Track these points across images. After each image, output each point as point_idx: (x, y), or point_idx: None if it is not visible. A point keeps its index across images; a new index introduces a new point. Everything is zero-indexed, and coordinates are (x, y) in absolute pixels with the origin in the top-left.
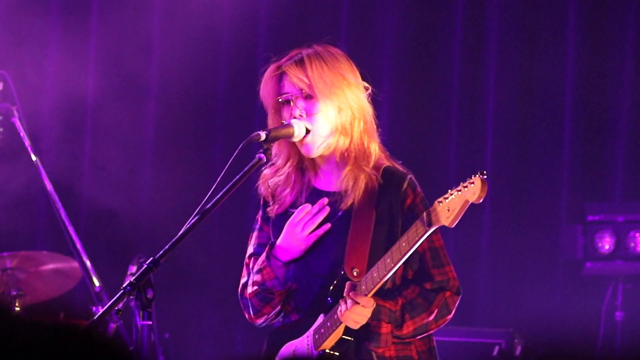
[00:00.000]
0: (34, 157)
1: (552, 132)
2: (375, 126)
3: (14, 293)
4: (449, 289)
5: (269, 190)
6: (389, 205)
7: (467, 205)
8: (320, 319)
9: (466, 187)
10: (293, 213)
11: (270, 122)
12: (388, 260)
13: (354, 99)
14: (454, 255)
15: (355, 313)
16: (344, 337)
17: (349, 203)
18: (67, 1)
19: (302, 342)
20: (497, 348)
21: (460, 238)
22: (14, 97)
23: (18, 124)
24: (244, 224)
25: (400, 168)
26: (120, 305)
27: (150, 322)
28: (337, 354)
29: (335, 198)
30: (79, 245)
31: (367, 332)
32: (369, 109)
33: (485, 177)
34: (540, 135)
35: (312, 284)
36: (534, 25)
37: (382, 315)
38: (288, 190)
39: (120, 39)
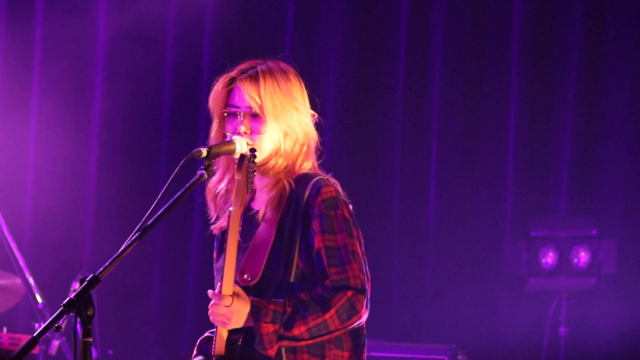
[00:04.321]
0: None
1: (497, 147)
2: (314, 150)
3: None
4: (350, 288)
5: (214, 202)
6: (293, 209)
7: (242, 185)
8: None
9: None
10: None
11: (214, 132)
12: (225, 271)
13: (301, 124)
14: (399, 270)
15: (213, 310)
16: (230, 338)
17: (261, 214)
18: (10, 20)
19: (209, 349)
20: None
21: (404, 252)
22: None
23: None
24: (187, 238)
25: (316, 173)
26: (61, 322)
27: (91, 339)
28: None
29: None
30: (21, 262)
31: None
32: (314, 135)
33: (245, 152)
34: (484, 149)
35: None
36: (479, 37)
37: (261, 316)
38: (229, 203)
39: (63, 53)
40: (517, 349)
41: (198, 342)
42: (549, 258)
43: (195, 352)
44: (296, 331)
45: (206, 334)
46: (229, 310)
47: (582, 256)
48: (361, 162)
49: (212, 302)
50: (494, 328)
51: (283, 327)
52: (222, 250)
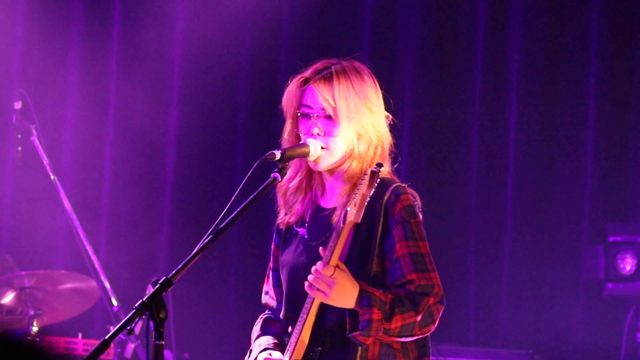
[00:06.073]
0: (52, 176)
1: (574, 151)
2: (388, 153)
3: (32, 312)
4: (432, 296)
5: (284, 198)
6: (370, 213)
7: (366, 199)
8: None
9: (361, 182)
10: (297, 232)
11: (286, 132)
12: (331, 244)
13: (375, 126)
14: (476, 275)
15: (316, 277)
16: (310, 346)
17: (335, 217)
18: (88, 22)
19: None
20: None
21: (481, 258)
22: (33, 116)
23: (37, 142)
24: (263, 241)
25: (393, 180)
26: (135, 325)
27: (163, 342)
28: None
29: (333, 213)
30: (97, 265)
31: (353, 323)
32: (388, 137)
33: (375, 168)
34: (562, 155)
35: (301, 298)
36: (557, 35)
37: (372, 302)
38: (299, 200)
39: (141, 56)
40: (594, 355)
41: (260, 324)
42: (627, 263)
43: (259, 332)
44: (393, 324)
45: (265, 315)
46: (331, 280)
47: None
48: (438, 164)
49: (314, 270)
50: (571, 334)
51: (385, 318)
52: (285, 245)
